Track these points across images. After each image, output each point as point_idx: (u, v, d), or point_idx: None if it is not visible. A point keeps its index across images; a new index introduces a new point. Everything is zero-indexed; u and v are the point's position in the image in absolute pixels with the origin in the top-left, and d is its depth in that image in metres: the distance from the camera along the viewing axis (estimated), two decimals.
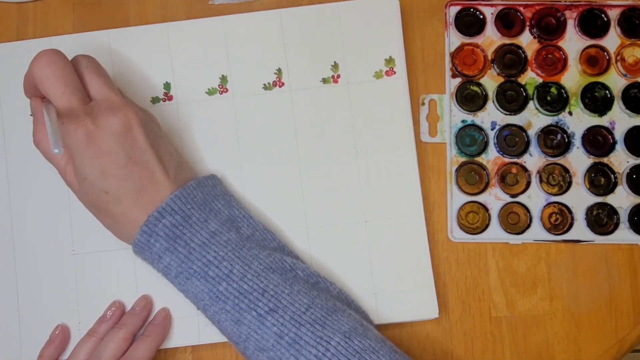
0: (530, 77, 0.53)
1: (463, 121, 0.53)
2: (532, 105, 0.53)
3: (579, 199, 0.52)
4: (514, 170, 0.53)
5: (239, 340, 0.43)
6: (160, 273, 0.46)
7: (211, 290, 0.43)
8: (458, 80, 0.54)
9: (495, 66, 0.54)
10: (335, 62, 0.53)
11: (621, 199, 0.52)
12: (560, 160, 0.53)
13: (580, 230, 0.52)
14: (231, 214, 0.47)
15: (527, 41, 0.54)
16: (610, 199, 0.52)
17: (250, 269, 0.44)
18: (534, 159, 0.53)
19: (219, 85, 0.53)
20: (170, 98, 0.53)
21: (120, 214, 0.44)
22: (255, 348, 0.43)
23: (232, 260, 0.44)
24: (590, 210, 0.52)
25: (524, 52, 0.53)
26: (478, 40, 0.54)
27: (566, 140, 0.53)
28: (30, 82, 0.45)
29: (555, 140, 0.53)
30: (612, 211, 0.52)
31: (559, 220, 0.52)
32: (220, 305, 0.43)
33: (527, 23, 0.54)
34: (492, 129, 0.53)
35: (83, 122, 0.43)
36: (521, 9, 0.54)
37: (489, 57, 0.54)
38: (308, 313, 0.43)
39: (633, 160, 0.52)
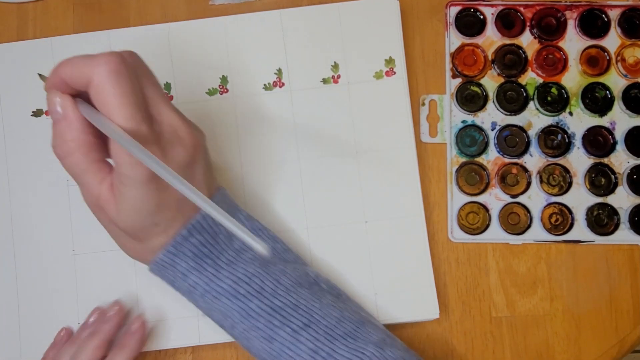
0: (531, 78, 0.53)
1: (463, 121, 0.53)
2: (532, 105, 0.53)
3: (580, 199, 0.52)
4: (514, 171, 0.53)
5: (269, 357, 0.42)
6: (179, 292, 0.43)
7: (242, 308, 0.42)
8: (458, 80, 0.54)
9: (495, 66, 0.53)
10: (335, 62, 0.53)
11: (621, 199, 0.52)
12: (560, 160, 0.53)
13: (580, 230, 0.52)
14: (252, 227, 0.45)
15: (527, 41, 0.54)
16: (610, 200, 0.52)
17: (280, 285, 0.42)
18: (534, 160, 0.53)
19: (219, 85, 0.53)
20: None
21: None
22: None
23: (262, 277, 0.42)
24: (590, 210, 0.52)
25: (524, 52, 0.53)
26: (478, 40, 0.54)
27: (566, 140, 0.53)
28: (72, 82, 0.37)
29: (555, 141, 0.53)
30: (612, 211, 0.52)
31: (559, 220, 0.52)
32: (251, 323, 0.42)
33: (528, 23, 0.54)
34: (492, 130, 0.53)
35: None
36: (521, 9, 0.54)
37: (489, 58, 0.54)
38: (340, 326, 0.42)
39: (633, 161, 0.52)
